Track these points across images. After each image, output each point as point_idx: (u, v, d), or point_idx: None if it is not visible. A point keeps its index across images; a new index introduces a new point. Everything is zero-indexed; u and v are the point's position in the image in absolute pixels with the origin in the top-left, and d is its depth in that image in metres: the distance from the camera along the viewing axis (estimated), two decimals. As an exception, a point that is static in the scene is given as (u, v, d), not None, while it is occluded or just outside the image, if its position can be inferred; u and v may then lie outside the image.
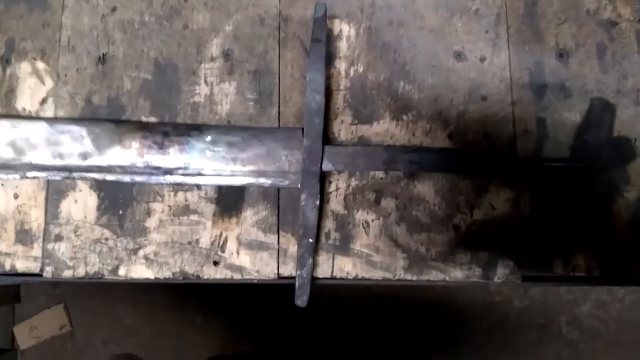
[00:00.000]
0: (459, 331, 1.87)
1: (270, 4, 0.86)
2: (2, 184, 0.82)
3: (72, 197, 0.82)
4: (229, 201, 0.83)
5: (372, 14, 0.86)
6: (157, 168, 0.80)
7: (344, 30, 0.86)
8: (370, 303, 1.85)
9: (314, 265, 0.81)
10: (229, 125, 0.83)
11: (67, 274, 0.81)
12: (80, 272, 0.81)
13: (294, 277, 0.79)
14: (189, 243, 0.82)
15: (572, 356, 1.87)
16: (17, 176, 0.79)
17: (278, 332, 1.84)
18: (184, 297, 1.87)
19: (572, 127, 0.85)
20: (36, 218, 0.82)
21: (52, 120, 0.81)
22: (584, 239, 0.83)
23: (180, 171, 0.80)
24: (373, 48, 0.86)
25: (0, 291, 1.79)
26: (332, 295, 1.83)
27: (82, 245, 0.81)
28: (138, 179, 0.80)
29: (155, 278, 0.81)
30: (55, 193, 0.82)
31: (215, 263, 0.82)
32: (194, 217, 0.82)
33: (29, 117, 0.83)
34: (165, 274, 0.81)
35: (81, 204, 0.82)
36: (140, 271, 0.81)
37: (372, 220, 0.83)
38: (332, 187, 0.83)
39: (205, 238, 0.82)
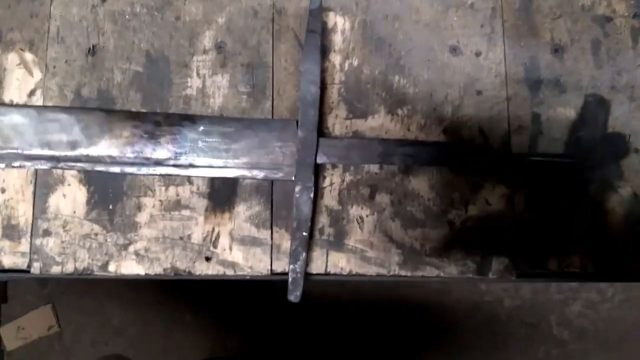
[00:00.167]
0: (448, 330, 1.87)
1: (263, -4, 0.85)
2: (-11, 178, 0.81)
3: (61, 191, 0.80)
4: (222, 196, 0.81)
5: (367, 7, 0.85)
6: (148, 158, 0.78)
7: (339, 23, 0.85)
8: (359, 303, 1.84)
9: (308, 261, 0.80)
10: (222, 115, 0.82)
11: (56, 270, 0.79)
12: (69, 268, 0.79)
13: (287, 273, 0.78)
14: (181, 238, 0.80)
15: (562, 355, 1.88)
16: (2, 165, 0.77)
17: (268, 329, 1.83)
18: (173, 295, 1.85)
19: (566, 123, 0.85)
20: (24, 213, 0.80)
21: (41, 109, 0.79)
22: (578, 235, 0.83)
23: (172, 162, 0.78)
24: (368, 42, 0.85)
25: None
26: (322, 296, 1.82)
27: (71, 241, 0.80)
28: (128, 169, 0.78)
29: (146, 274, 0.80)
30: (43, 187, 0.80)
31: (208, 259, 0.80)
32: (185, 212, 0.81)
33: (17, 105, 0.81)
34: (156, 270, 0.80)
35: (70, 198, 0.80)
36: (131, 267, 0.80)
37: (367, 216, 0.82)
38: (327, 182, 0.82)
39: (197, 233, 0.81)
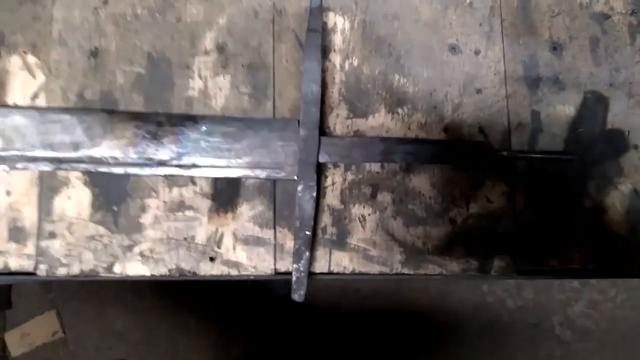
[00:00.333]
0: (451, 331, 1.87)
1: (264, -3, 0.86)
2: (-7, 181, 0.81)
3: (66, 193, 0.81)
4: (225, 196, 0.82)
5: (366, 7, 0.86)
6: (150, 159, 0.79)
7: (339, 23, 0.86)
8: (362, 304, 1.84)
9: (311, 261, 0.80)
10: (224, 115, 0.83)
11: (62, 272, 0.80)
12: (75, 269, 0.80)
13: (290, 273, 0.78)
14: (185, 239, 0.81)
15: (565, 355, 1.88)
16: (5, 167, 0.78)
17: (271, 331, 1.83)
18: (177, 300, 1.85)
19: (566, 120, 0.86)
20: (29, 215, 0.80)
21: (43, 110, 0.80)
22: (578, 231, 0.84)
23: (174, 162, 0.79)
24: (368, 41, 0.86)
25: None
26: (325, 298, 1.82)
27: (76, 243, 0.80)
28: (130, 170, 0.79)
29: (152, 275, 0.80)
30: (48, 189, 0.81)
31: (212, 259, 0.81)
32: (189, 213, 0.81)
33: (19, 107, 0.81)
34: (161, 270, 0.80)
35: (75, 200, 0.81)
36: (136, 268, 0.80)
37: (369, 215, 0.82)
38: (329, 182, 0.83)
39: (201, 234, 0.81)
